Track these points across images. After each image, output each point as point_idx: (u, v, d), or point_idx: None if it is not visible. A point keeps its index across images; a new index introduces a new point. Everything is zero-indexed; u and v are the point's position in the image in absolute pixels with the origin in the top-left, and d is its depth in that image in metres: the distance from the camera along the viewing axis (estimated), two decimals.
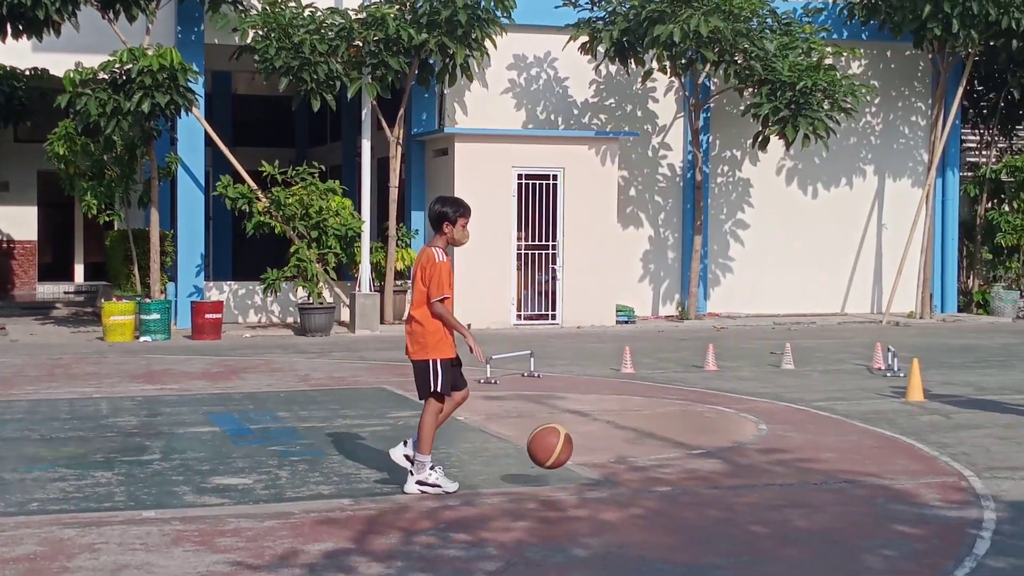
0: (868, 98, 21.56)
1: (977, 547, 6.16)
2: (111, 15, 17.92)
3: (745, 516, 6.88)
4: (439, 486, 7.29)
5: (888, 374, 13.45)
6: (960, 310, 22.94)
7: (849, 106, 19.84)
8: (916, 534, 6.48)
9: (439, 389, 7.26)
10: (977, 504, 7.13)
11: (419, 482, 7.30)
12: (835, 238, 22.24)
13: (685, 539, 6.39)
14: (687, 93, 20.89)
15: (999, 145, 24.30)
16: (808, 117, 19.29)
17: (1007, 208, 23.08)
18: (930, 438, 9.39)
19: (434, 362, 7.24)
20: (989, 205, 23.46)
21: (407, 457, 7.33)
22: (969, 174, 23.98)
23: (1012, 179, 22.83)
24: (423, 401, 7.36)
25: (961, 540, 6.31)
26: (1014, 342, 17.75)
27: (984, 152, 24.16)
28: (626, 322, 20.08)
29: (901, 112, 22.92)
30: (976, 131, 24.56)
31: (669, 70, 19.83)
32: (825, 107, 19.57)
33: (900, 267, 21.66)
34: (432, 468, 7.34)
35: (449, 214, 7.49)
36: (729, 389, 12.27)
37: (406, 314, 7.63)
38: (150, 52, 17.27)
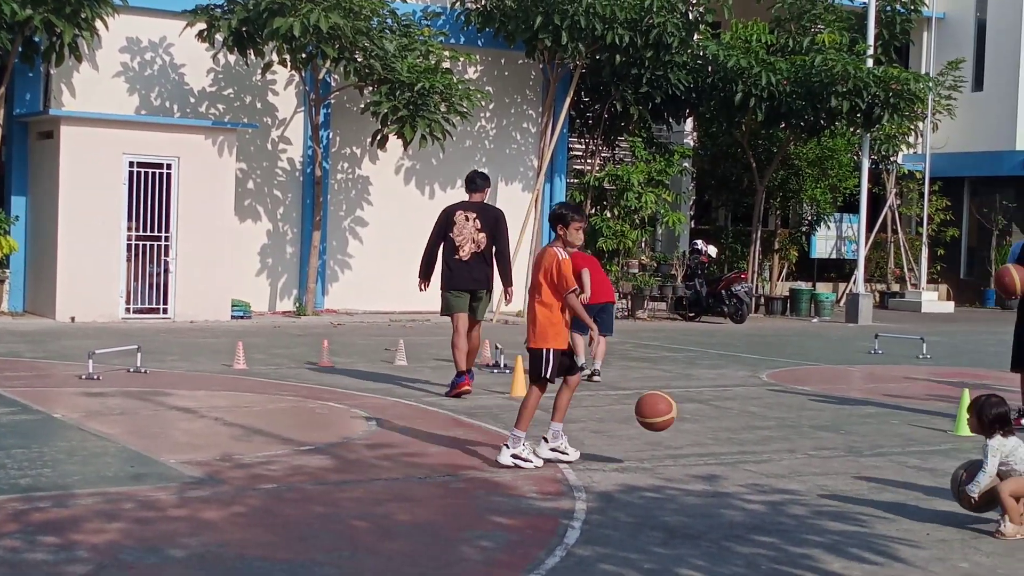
0: (483, 103, 22.21)
1: (568, 536, 6.45)
2: None
3: (349, 511, 6.91)
4: (530, 461, 8.20)
5: (495, 371, 13.90)
6: None
7: (465, 110, 20.37)
8: (512, 525, 6.72)
9: (548, 375, 8.23)
10: (570, 495, 7.48)
11: (514, 455, 8.19)
12: None
13: (287, 536, 6.34)
14: (308, 88, 20.80)
15: (603, 154, 25.67)
16: (426, 118, 19.65)
17: (609, 215, 24.41)
18: (530, 432, 9.75)
19: (547, 351, 8.22)
20: (593, 211, 24.72)
21: (553, 449, 8.39)
22: (575, 181, 25.20)
23: (614, 187, 24.18)
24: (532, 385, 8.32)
25: (553, 530, 6.59)
26: (611, 341, 18.71)
27: (589, 160, 25.46)
28: (242, 317, 19.76)
29: (514, 118, 23.80)
30: (582, 140, 25.85)
31: (289, 64, 19.67)
32: (442, 109, 20.01)
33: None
34: (525, 444, 8.24)
35: (564, 217, 8.36)
36: (342, 385, 12.31)
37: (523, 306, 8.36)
38: None
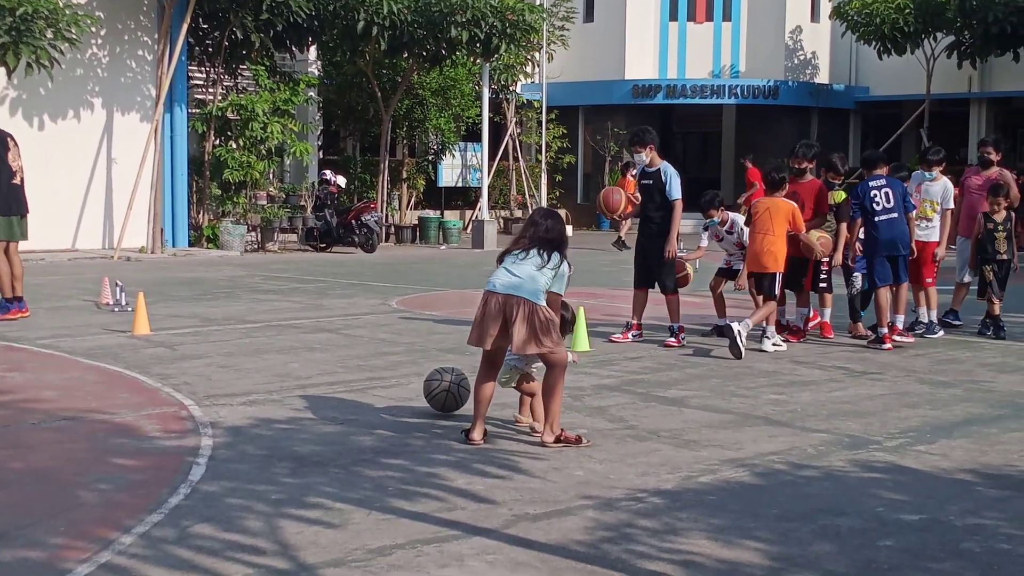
0: (93, 29, 21.10)
1: (193, 473, 6.29)
2: None
3: None
4: (781, 346, 11.04)
5: (116, 309, 13.36)
6: (192, 244, 23.41)
7: (73, 36, 19.29)
8: (135, 466, 6.48)
9: (778, 293, 11.00)
10: (196, 432, 7.30)
11: (775, 344, 10.94)
12: (64, 172, 21.56)
13: None
14: None
15: (225, 83, 25.00)
16: (31, 45, 18.46)
17: (234, 145, 23.86)
18: (154, 370, 9.47)
19: (780, 274, 10.96)
20: (217, 142, 24.09)
21: (774, 344, 10.96)
22: (197, 111, 24.42)
23: (238, 117, 23.63)
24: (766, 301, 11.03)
25: (178, 468, 6.42)
26: (241, 274, 18.47)
27: (211, 90, 24.74)
28: None
29: (128, 46, 22.75)
30: (203, 68, 25.06)
31: None
32: (48, 36, 18.85)
33: (131, 202, 21.61)
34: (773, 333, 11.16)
35: (786, 180, 11.24)
36: None
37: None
38: None
